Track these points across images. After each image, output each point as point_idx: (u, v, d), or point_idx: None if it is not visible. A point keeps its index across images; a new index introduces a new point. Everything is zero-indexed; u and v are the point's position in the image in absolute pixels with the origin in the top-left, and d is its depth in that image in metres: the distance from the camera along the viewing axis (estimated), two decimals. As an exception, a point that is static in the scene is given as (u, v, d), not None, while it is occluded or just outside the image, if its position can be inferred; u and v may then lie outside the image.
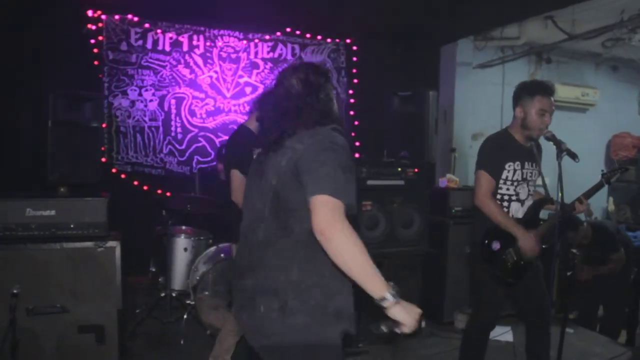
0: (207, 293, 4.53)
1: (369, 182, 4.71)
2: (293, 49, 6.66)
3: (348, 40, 6.91)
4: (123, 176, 5.99)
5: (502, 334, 4.83)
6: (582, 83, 7.71)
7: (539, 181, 3.59)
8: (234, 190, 3.62)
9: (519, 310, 3.68)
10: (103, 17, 5.82)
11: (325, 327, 2.07)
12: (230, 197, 3.67)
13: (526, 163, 3.46)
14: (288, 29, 6.56)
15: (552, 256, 3.29)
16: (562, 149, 3.27)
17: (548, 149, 3.51)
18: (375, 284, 1.95)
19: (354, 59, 6.94)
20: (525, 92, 3.42)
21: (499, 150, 3.45)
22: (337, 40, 6.89)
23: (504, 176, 3.42)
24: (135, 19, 5.96)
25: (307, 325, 2.04)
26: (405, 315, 1.98)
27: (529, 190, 3.51)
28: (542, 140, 3.52)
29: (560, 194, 3.27)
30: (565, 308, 3.85)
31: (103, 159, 5.72)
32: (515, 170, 3.43)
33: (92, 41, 5.76)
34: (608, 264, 5.29)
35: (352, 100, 6.94)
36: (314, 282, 2.07)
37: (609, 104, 7.91)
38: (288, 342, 2.05)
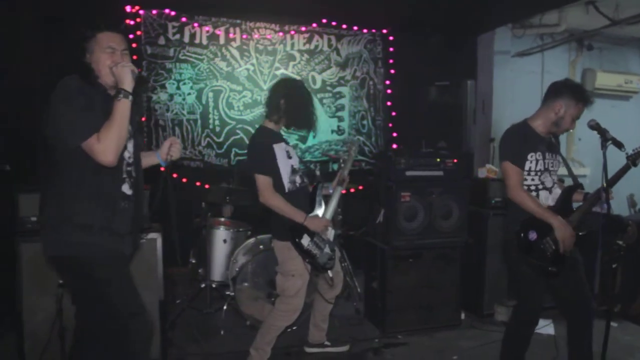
0: (246, 284, 4.58)
1: (408, 173, 4.68)
2: (329, 40, 6.64)
3: (384, 31, 6.86)
4: (162, 169, 6.04)
5: (544, 327, 4.75)
6: (625, 70, 7.53)
7: (562, 170, 3.56)
8: (261, 194, 3.63)
9: (560, 302, 3.61)
10: (141, 12, 5.89)
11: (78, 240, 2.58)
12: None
13: (547, 153, 3.46)
14: (324, 20, 6.54)
15: (592, 246, 3.23)
16: (606, 138, 3.23)
17: (589, 138, 3.46)
18: None
19: (391, 49, 6.89)
20: (572, 93, 3.37)
21: (522, 142, 3.44)
22: (374, 30, 6.83)
23: (527, 167, 3.41)
24: (172, 13, 6.01)
25: None
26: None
27: (552, 180, 3.50)
28: (578, 128, 3.48)
29: (605, 183, 3.21)
30: (610, 300, 3.78)
31: (143, 153, 5.80)
32: (537, 161, 3.42)
33: (131, 36, 5.83)
34: None
35: (389, 91, 6.89)
36: None
37: (653, 92, 7.70)
38: None
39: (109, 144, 2.47)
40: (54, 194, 2.58)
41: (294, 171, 3.77)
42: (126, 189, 2.74)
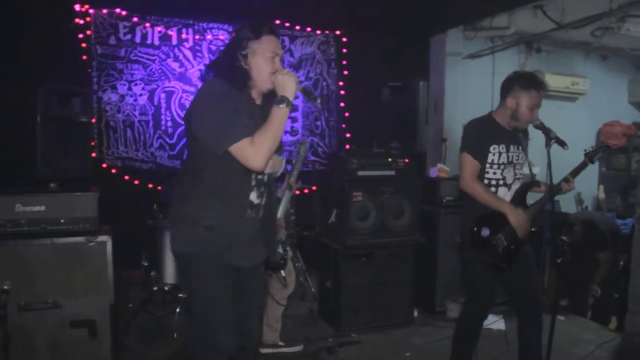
0: (199, 286, 4.53)
1: (360, 173, 4.71)
2: (282, 41, 6.64)
3: (338, 32, 6.90)
4: (114, 171, 5.97)
5: (494, 322, 4.85)
6: (572, 72, 7.74)
7: (525, 169, 3.60)
8: None
9: (511, 297, 3.69)
10: (91, 11, 5.77)
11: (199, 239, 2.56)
12: None
13: (511, 146, 3.45)
14: (277, 21, 6.53)
15: (542, 243, 3.30)
16: (550, 137, 3.29)
17: (538, 137, 3.52)
18: None
19: (344, 50, 6.93)
20: (521, 84, 3.39)
21: (483, 133, 3.44)
22: (327, 32, 6.87)
23: (489, 160, 3.41)
24: (124, 12, 5.92)
25: None
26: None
27: (515, 174, 3.50)
28: (531, 129, 3.53)
29: (549, 181, 3.28)
30: (556, 295, 3.87)
31: (93, 154, 5.69)
32: (500, 153, 3.42)
33: (80, 36, 5.72)
34: (599, 265, 5.40)
35: (342, 92, 6.94)
36: None
37: (598, 93, 7.95)
38: None
39: (263, 148, 2.39)
40: (185, 192, 2.57)
41: None
42: (254, 197, 2.65)
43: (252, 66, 2.52)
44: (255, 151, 2.39)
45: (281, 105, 2.43)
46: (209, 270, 2.55)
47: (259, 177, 2.65)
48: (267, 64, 2.52)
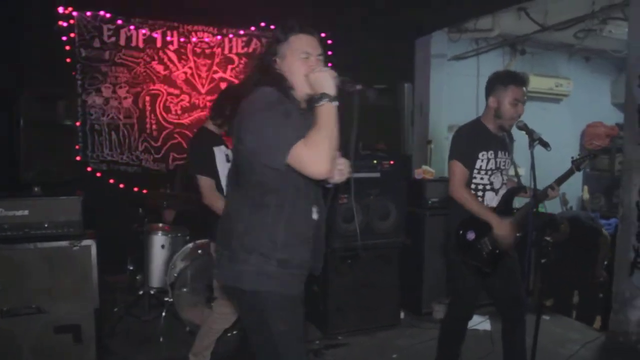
0: (185, 290, 4.52)
1: (345, 175, 4.71)
2: (268, 43, 6.64)
3: (323, 34, 6.85)
4: (99, 174, 5.94)
5: (480, 323, 4.89)
6: (556, 74, 7.82)
7: (512, 171, 3.62)
8: (204, 196, 3.60)
9: (495, 300, 3.72)
10: (74, 13, 5.74)
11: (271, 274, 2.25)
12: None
13: (499, 152, 3.47)
14: (262, 24, 6.53)
15: (527, 244, 3.32)
16: (533, 138, 3.28)
17: (521, 139, 3.54)
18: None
19: (329, 52, 6.92)
20: (499, 82, 3.41)
21: (472, 140, 3.46)
22: (312, 34, 6.85)
23: (477, 165, 3.43)
24: (108, 15, 5.89)
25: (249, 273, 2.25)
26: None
27: (502, 180, 3.53)
28: (514, 130, 3.55)
29: (533, 183, 3.30)
30: (541, 295, 3.91)
31: (78, 158, 5.67)
32: (488, 160, 3.44)
33: (64, 38, 5.69)
34: (597, 251, 5.45)
35: (328, 94, 6.92)
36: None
37: (582, 94, 8.04)
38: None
39: (319, 149, 2.08)
40: (249, 221, 2.25)
41: None
42: (315, 214, 2.38)
43: (285, 70, 2.31)
44: (311, 154, 2.07)
45: (322, 102, 2.15)
46: (286, 306, 2.30)
47: (324, 185, 2.39)
48: (300, 66, 2.28)
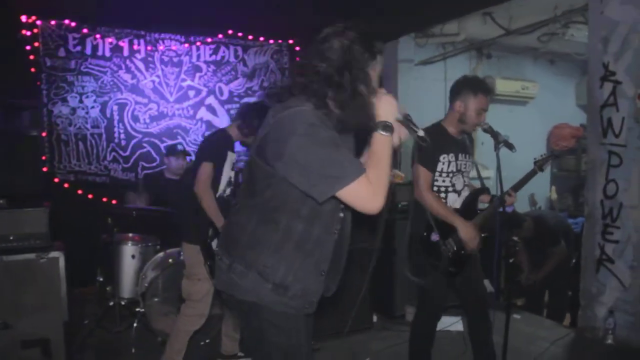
0: (156, 299, 4.49)
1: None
2: (236, 50, 6.64)
3: (290, 41, 6.93)
4: (66, 185, 5.86)
5: (453, 324, 4.92)
6: (522, 77, 7.94)
7: (473, 173, 3.67)
8: (199, 182, 3.66)
9: (460, 299, 3.76)
10: (38, 22, 5.67)
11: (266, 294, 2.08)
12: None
13: (460, 155, 3.51)
14: (230, 31, 6.53)
15: (493, 244, 3.36)
16: (499, 141, 3.34)
17: (489, 141, 3.59)
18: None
19: (297, 59, 6.94)
20: (469, 88, 3.43)
21: (433, 143, 3.49)
22: (280, 41, 6.90)
23: (439, 168, 3.45)
24: (73, 24, 5.83)
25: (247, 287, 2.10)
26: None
27: (464, 181, 3.57)
28: (480, 133, 3.59)
29: (500, 185, 3.34)
30: (509, 295, 3.96)
31: (44, 169, 5.60)
32: (449, 162, 3.47)
33: (28, 47, 5.61)
34: (549, 258, 5.50)
35: (297, 101, 6.93)
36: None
37: (547, 97, 8.17)
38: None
39: (380, 186, 1.95)
40: (253, 235, 2.09)
41: (229, 182, 3.88)
42: (331, 242, 2.24)
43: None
44: (373, 191, 1.93)
45: (383, 132, 2.02)
46: (290, 318, 2.14)
47: (340, 214, 2.23)
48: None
